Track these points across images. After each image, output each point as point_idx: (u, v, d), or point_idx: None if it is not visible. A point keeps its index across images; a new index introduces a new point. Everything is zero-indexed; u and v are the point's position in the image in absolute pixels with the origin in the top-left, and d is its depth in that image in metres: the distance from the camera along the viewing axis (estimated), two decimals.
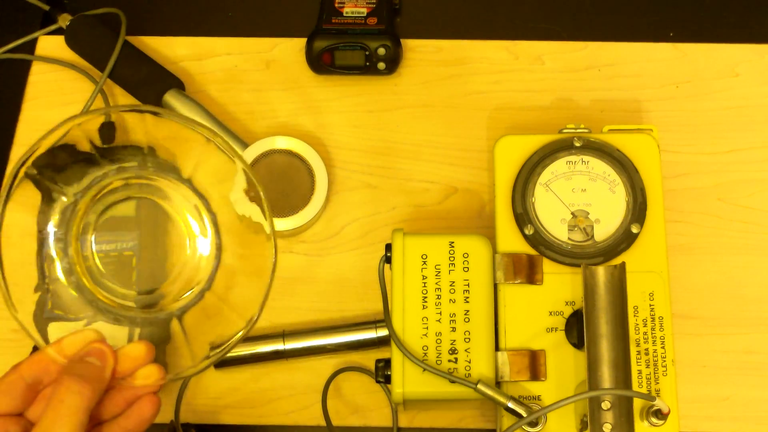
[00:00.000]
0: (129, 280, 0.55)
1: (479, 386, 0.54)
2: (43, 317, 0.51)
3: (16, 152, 0.71)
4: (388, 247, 0.58)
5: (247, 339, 0.64)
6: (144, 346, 0.50)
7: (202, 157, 0.54)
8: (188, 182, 0.55)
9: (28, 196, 0.51)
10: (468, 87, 0.73)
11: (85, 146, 0.53)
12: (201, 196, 0.55)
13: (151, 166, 0.55)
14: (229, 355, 0.64)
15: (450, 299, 0.57)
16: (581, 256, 0.58)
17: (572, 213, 0.60)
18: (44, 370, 0.48)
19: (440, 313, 0.57)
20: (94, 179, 0.54)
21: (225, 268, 0.55)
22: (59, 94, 0.73)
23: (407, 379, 0.55)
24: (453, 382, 0.55)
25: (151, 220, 0.55)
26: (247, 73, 0.74)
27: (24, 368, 0.48)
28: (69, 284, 0.53)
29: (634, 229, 0.59)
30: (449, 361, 0.56)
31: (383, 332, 0.63)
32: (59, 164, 0.52)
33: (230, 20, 0.77)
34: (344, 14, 0.72)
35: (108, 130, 0.54)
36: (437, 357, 0.56)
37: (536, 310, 0.58)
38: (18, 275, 0.50)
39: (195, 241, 0.55)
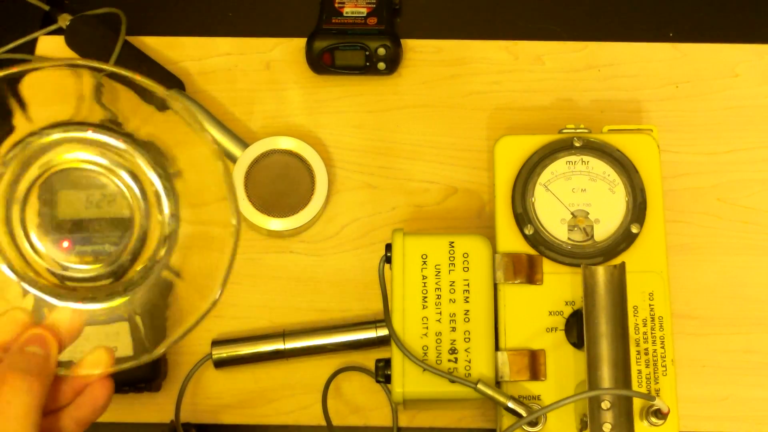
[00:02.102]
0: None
1: (479, 386, 0.54)
2: None
3: None
4: (388, 247, 0.58)
5: (247, 339, 0.65)
6: (107, 354, 0.45)
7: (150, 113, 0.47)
8: (130, 136, 0.48)
9: None
10: (468, 87, 0.73)
11: None
12: (143, 149, 0.48)
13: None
14: (229, 354, 0.64)
15: (450, 299, 0.57)
16: (581, 256, 0.58)
17: (572, 213, 0.60)
18: None
19: (440, 313, 0.57)
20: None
21: (182, 242, 0.49)
22: None
23: (407, 379, 0.55)
24: (453, 381, 0.55)
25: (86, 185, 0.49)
26: (247, 73, 0.74)
27: None
28: None
29: (634, 229, 0.59)
30: (449, 360, 0.56)
31: (383, 332, 0.63)
32: None
33: (230, 20, 0.76)
34: (344, 14, 0.72)
35: None
36: (437, 357, 0.56)
37: (536, 310, 0.58)
38: None
39: (143, 206, 0.49)
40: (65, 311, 0.46)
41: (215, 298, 0.46)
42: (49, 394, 0.43)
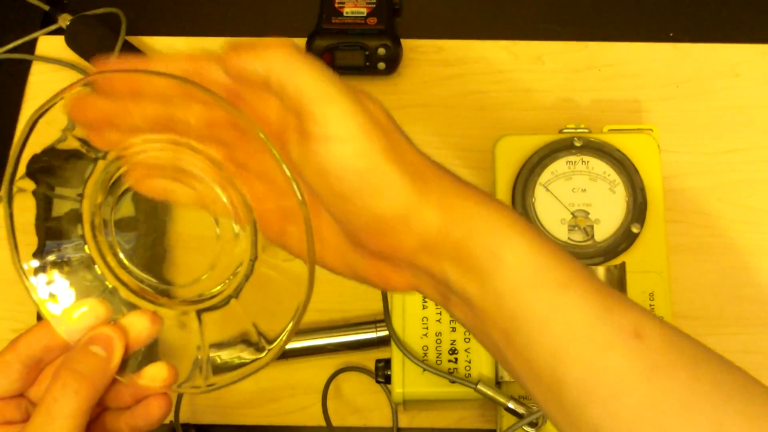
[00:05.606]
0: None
1: (479, 386, 0.54)
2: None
3: None
4: None
5: None
6: (168, 371, 0.43)
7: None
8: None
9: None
10: (468, 87, 0.73)
11: (71, 144, 0.45)
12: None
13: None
14: None
15: None
16: (581, 256, 0.58)
17: (572, 213, 0.60)
18: (45, 348, 0.42)
19: (440, 313, 0.57)
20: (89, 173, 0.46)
21: (260, 273, 0.47)
22: None
23: (407, 379, 0.55)
24: (453, 382, 0.55)
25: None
26: None
27: (21, 347, 0.42)
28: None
29: (634, 229, 0.59)
30: (449, 361, 0.56)
31: (383, 332, 0.63)
32: (51, 168, 0.45)
33: (230, 20, 0.76)
34: (344, 14, 0.72)
35: None
36: (437, 357, 0.56)
37: None
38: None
39: (228, 228, 0.47)
40: (144, 316, 0.44)
41: (276, 351, 0.45)
42: (111, 394, 0.43)
